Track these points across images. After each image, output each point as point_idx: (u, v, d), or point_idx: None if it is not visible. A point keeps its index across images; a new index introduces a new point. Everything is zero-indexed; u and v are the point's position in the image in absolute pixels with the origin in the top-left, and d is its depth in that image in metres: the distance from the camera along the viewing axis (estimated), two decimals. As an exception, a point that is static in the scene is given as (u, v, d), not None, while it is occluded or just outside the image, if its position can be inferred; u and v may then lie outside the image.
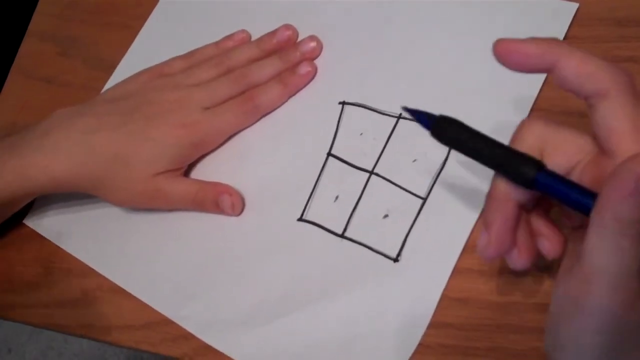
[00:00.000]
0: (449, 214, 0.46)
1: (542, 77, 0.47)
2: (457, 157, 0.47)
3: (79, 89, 0.63)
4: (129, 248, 0.54)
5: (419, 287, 0.45)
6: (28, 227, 0.58)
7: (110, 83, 0.62)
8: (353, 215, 0.49)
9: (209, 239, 0.52)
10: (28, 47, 0.68)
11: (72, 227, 0.57)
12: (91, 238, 0.56)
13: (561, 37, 0.48)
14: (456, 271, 0.45)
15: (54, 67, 0.65)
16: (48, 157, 0.52)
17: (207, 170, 0.54)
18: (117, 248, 0.55)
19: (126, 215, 0.55)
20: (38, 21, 0.69)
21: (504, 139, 0.46)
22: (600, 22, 0.48)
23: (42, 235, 0.57)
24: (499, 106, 0.48)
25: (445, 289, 0.44)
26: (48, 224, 0.58)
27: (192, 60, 0.57)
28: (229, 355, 0.48)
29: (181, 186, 0.53)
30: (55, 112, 0.54)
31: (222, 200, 0.52)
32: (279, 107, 0.55)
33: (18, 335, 1.45)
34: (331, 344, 0.45)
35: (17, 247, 0.58)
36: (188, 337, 0.49)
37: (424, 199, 0.47)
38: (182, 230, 0.53)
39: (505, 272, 0.43)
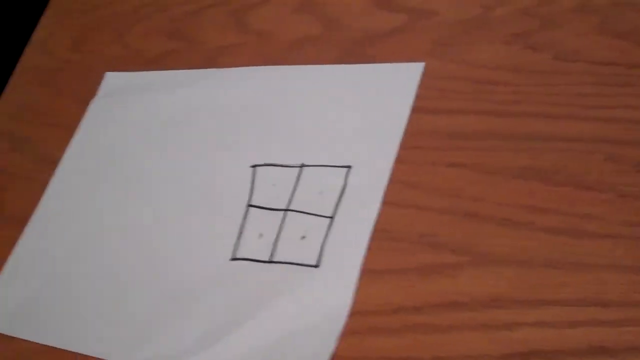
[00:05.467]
0: (352, 225, 0.55)
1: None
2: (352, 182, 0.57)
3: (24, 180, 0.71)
4: (76, 313, 0.60)
5: (336, 285, 0.53)
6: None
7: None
8: (277, 243, 0.57)
9: (149, 286, 0.59)
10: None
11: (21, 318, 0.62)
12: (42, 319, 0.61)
13: (412, 95, 0.58)
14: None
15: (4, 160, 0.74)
16: None
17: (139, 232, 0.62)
18: (65, 317, 0.60)
19: (67, 287, 0.61)
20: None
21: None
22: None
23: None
24: (370, 151, 0.58)
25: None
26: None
27: None
28: None
29: None
30: None
31: None
32: None
33: None
34: (267, 348, 0.52)
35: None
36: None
37: (332, 218, 0.56)
38: (120, 283, 0.60)
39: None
